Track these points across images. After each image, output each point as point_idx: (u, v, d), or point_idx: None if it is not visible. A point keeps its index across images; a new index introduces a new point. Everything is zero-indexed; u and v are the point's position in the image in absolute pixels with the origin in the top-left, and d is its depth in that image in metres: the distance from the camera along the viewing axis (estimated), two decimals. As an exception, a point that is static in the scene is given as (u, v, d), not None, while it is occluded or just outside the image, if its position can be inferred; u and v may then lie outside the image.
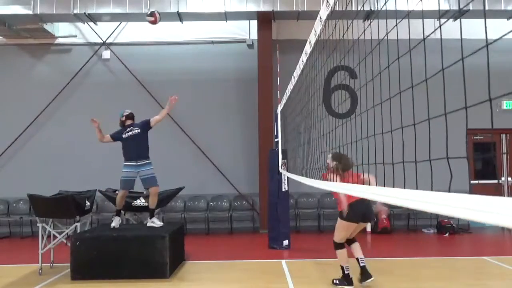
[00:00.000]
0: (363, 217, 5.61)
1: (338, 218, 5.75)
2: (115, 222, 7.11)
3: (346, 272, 5.70)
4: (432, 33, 1.86)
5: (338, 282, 5.79)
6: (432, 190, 1.16)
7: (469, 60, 1.69)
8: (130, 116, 7.28)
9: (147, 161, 7.04)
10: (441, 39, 1.63)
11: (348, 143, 3.12)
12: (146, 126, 7.17)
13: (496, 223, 0.83)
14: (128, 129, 7.14)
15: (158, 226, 7.04)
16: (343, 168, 5.35)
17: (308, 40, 4.28)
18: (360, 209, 5.50)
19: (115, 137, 7.20)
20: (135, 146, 7.02)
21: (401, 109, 2.09)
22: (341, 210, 5.66)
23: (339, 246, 5.75)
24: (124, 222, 8.36)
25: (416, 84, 1.80)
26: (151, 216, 7.17)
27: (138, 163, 6.96)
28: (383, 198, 1.53)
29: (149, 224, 7.09)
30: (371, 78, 2.80)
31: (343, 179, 5.07)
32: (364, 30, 2.76)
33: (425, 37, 1.77)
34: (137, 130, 7.11)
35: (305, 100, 5.93)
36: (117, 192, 7.67)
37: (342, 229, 5.69)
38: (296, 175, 5.79)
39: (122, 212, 8.24)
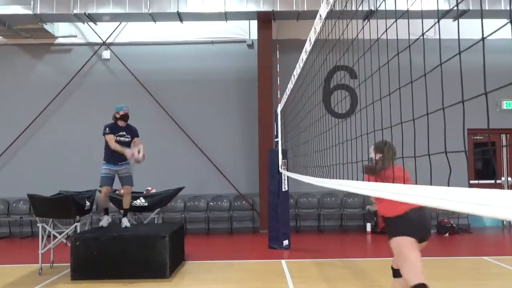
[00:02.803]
0: (421, 232, 3.72)
1: (393, 239, 3.70)
2: (104, 221, 7.03)
3: None
4: (430, 28, 1.86)
5: None
6: (431, 185, 1.16)
7: (470, 60, 1.69)
8: (126, 118, 6.93)
9: (126, 161, 6.88)
10: (439, 31, 1.63)
11: (348, 140, 3.12)
12: (134, 136, 6.93)
13: (495, 216, 0.83)
14: (120, 133, 6.85)
15: (122, 226, 6.95)
16: (390, 159, 3.74)
17: (308, 38, 4.28)
18: (418, 222, 3.69)
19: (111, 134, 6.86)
20: (120, 153, 6.77)
21: (400, 106, 2.09)
22: (386, 225, 3.84)
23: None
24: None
25: (415, 80, 1.80)
26: (124, 215, 7.08)
27: (118, 164, 6.85)
28: (384, 194, 1.53)
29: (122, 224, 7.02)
30: (370, 76, 2.80)
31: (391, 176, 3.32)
32: (363, 27, 2.75)
33: (423, 32, 1.77)
34: (127, 139, 6.86)
35: (305, 99, 5.93)
36: (117, 192, 7.67)
37: (410, 249, 3.58)
38: (296, 174, 5.78)
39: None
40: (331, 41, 3.71)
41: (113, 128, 6.84)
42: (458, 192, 0.95)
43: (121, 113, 6.86)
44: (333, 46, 3.68)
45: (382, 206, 3.85)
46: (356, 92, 9.48)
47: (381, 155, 3.82)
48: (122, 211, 7.40)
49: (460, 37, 2.09)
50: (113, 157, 6.79)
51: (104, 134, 6.79)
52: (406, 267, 3.52)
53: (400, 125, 1.95)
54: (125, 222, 7.02)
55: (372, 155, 3.95)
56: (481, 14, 1.46)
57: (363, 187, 1.92)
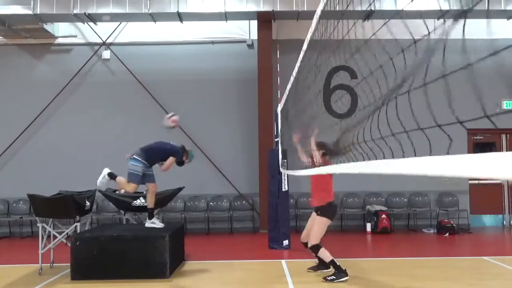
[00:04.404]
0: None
1: (320, 217, 5.95)
2: (157, 223, 7.07)
3: (338, 264, 5.90)
4: (429, 32, 1.86)
5: (335, 277, 5.90)
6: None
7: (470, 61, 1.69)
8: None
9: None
10: (437, 32, 1.63)
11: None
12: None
13: (496, 177, 0.84)
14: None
15: (159, 227, 7.00)
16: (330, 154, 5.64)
17: (309, 39, 4.28)
18: (336, 206, 6.08)
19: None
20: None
21: (397, 109, 2.09)
22: (323, 205, 5.89)
23: (319, 246, 6.00)
24: (124, 222, 8.37)
25: (415, 86, 1.80)
26: (150, 217, 7.07)
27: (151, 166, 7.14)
28: (386, 169, 1.52)
29: (148, 224, 7.00)
30: (371, 76, 2.80)
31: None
32: (364, 28, 2.76)
33: (424, 35, 1.77)
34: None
35: (305, 100, 5.93)
36: (117, 192, 7.67)
37: (325, 228, 5.95)
38: (294, 171, 5.82)
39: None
40: (331, 41, 3.71)
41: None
42: (457, 159, 0.96)
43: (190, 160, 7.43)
44: (334, 50, 3.68)
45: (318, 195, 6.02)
46: (356, 92, 9.47)
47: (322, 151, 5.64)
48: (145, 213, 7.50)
49: (461, 37, 2.09)
50: (153, 161, 7.09)
51: (180, 156, 7.23)
52: (319, 236, 5.96)
53: (400, 126, 1.95)
54: (157, 222, 7.07)
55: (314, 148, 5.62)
56: (487, 14, 1.45)
57: (363, 166, 1.91)
